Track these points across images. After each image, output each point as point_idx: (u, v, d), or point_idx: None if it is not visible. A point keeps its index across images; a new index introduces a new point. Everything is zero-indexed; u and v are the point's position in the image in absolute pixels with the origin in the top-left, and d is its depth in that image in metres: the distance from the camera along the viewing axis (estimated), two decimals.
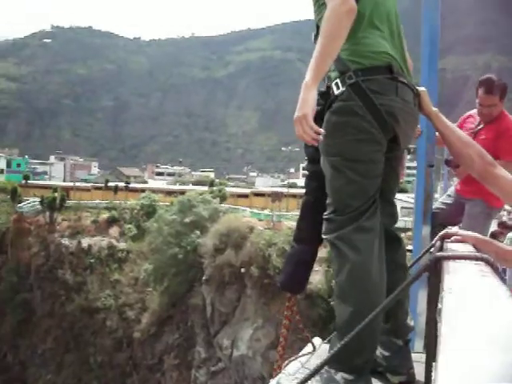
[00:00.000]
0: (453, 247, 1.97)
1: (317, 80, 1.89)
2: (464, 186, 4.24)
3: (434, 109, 2.29)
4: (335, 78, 2.11)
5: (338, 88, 2.09)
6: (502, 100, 4.11)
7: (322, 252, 25.55)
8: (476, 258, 1.56)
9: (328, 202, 2.18)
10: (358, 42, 2.08)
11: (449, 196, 4.55)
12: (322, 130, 1.86)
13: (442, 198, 4.65)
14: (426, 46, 3.01)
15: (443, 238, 2.15)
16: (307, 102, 1.85)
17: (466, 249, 1.94)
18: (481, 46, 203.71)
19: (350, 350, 1.99)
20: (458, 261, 1.52)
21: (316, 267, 25.50)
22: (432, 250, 2.26)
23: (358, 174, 2.08)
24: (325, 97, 2.19)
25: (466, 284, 1.23)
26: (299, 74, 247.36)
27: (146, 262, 32.41)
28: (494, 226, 8.71)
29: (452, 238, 2.12)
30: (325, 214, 2.18)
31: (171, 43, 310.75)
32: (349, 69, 2.04)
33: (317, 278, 25.27)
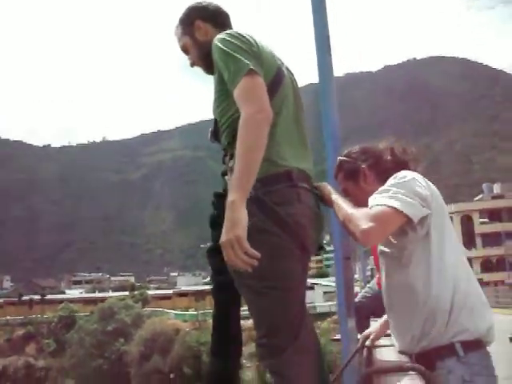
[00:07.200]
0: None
1: (244, 198, 1.67)
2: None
3: (334, 196, 2.08)
4: None
5: None
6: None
7: (252, 347, 25.15)
8: (407, 369, 1.56)
9: (255, 326, 1.94)
10: None
11: (370, 288, 4.51)
12: (257, 254, 1.61)
13: (364, 290, 4.62)
14: (328, 139, 3.21)
15: (365, 339, 2.34)
16: (237, 222, 1.62)
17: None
18: (376, 132, 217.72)
19: None
20: (389, 374, 1.50)
21: (248, 363, 24.91)
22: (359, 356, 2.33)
23: (281, 291, 1.88)
24: (222, 200, 1.90)
25: None
26: (210, 171, 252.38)
27: (68, 379, 30.58)
28: None
29: (372, 336, 2.30)
30: (256, 339, 1.94)
31: (82, 149, 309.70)
32: None
33: (249, 374, 24.66)
